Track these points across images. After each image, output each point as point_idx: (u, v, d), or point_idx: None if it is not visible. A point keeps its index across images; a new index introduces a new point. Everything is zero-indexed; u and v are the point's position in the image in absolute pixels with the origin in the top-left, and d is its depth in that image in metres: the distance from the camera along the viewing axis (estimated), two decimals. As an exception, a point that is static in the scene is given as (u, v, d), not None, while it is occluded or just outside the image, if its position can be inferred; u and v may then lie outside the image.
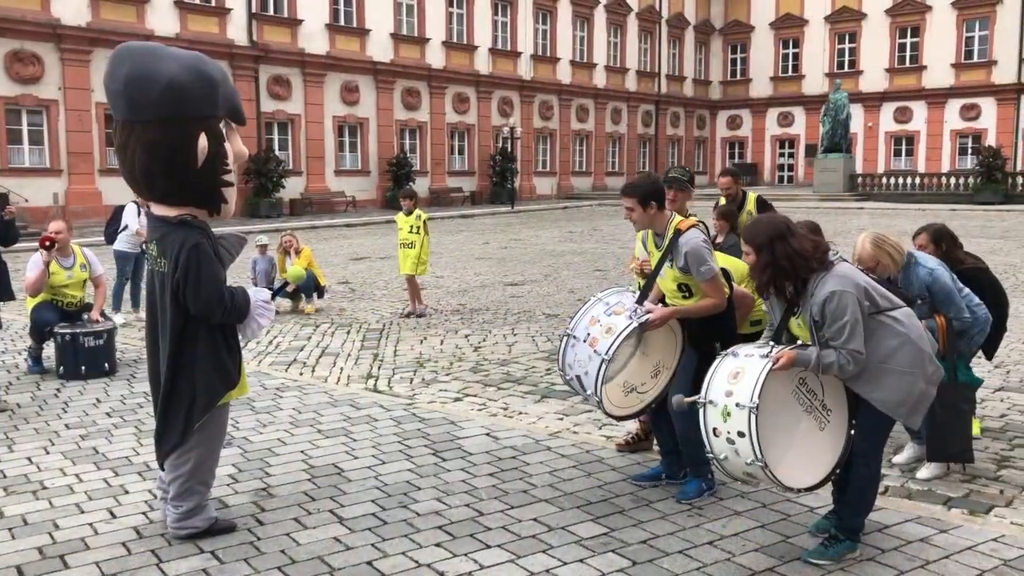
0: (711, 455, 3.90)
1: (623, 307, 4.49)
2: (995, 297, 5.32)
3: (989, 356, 5.63)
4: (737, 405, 3.70)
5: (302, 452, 5.47)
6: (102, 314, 7.93)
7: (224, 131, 4.12)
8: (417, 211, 11.04)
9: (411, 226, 10.89)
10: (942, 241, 5.35)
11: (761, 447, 3.64)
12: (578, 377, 4.47)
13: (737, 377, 3.78)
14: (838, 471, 3.91)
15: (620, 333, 4.35)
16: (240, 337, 4.24)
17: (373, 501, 4.63)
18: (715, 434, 3.82)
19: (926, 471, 4.99)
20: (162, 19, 27.41)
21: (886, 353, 3.76)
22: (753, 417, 3.64)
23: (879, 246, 4.78)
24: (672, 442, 4.79)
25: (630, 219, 4.60)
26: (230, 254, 4.29)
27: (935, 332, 4.72)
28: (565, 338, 4.54)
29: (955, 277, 4.96)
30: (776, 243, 3.75)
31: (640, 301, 4.56)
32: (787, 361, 3.70)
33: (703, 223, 4.67)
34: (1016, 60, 41.06)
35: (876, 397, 3.79)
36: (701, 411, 3.87)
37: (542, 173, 41.57)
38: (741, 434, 3.69)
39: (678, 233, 4.49)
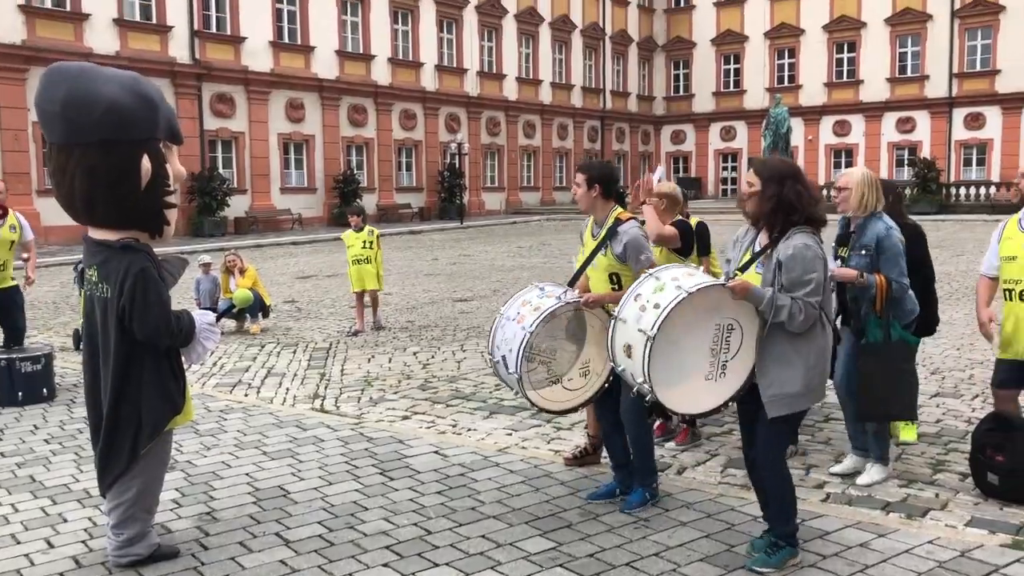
0: (612, 363, 4.08)
1: (554, 293, 4.64)
2: (923, 257, 5.44)
3: (931, 330, 5.68)
4: (639, 330, 3.83)
5: (247, 475, 5.41)
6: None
7: (164, 152, 4.07)
8: (368, 227, 11.16)
9: (364, 242, 10.98)
10: (890, 195, 5.49)
11: (650, 371, 3.76)
12: (503, 357, 4.52)
13: (648, 303, 3.88)
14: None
15: (546, 310, 4.45)
16: (185, 361, 4.18)
17: (320, 523, 4.59)
18: (621, 349, 3.98)
19: (866, 476, 5.10)
20: (101, 37, 26.96)
21: (809, 338, 3.79)
22: (649, 345, 3.75)
23: (870, 181, 4.95)
24: (624, 455, 4.84)
25: (575, 196, 4.79)
26: (173, 276, 4.24)
27: (874, 288, 4.82)
28: (496, 318, 4.66)
29: (903, 242, 5.01)
30: (788, 180, 3.81)
31: (571, 284, 4.70)
32: (743, 289, 3.72)
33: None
34: (947, 75, 42.33)
35: (775, 390, 3.78)
36: (612, 324, 4.03)
37: (490, 188, 41.68)
38: (636, 352, 3.85)
39: (618, 222, 4.63)
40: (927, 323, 5.47)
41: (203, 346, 4.23)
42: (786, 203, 3.78)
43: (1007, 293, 4.82)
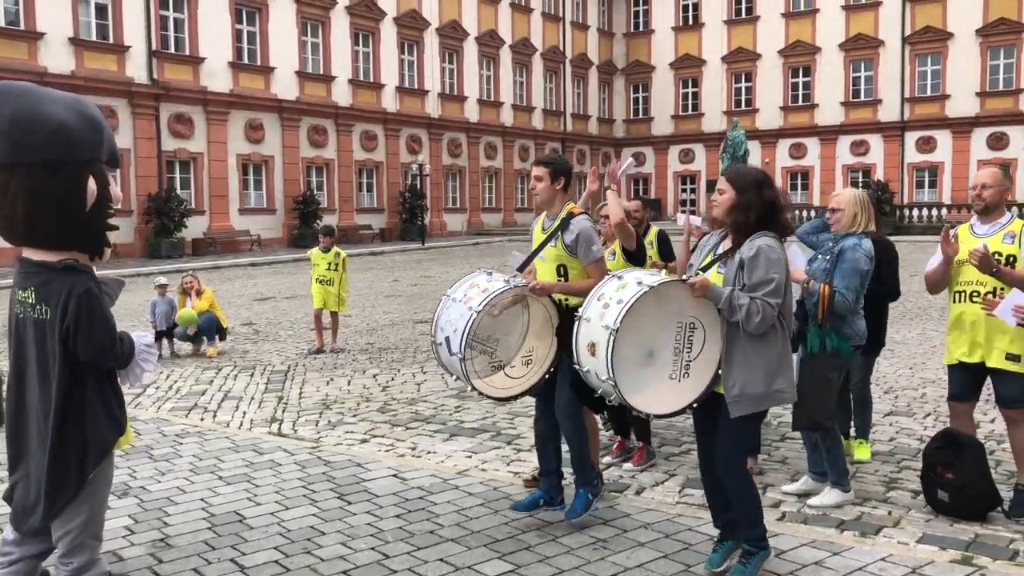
0: (577, 366, 4.08)
1: (502, 277, 4.67)
2: (890, 275, 5.62)
3: (879, 342, 5.76)
4: (603, 326, 3.85)
5: (202, 500, 5.33)
6: None
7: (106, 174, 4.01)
8: (336, 248, 11.24)
9: (330, 263, 11.06)
10: None
11: (614, 367, 3.78)
12: (447, 339, 4.49)
13: (611, 300, 3.92)
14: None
15: (494, 292, 4.47)
16: (122, 383, 4.11)
17: (276, 548, 4.54)
18: (586, 348, 4.00)
19: (819, 498, 5.14)
20: (56, 56, 26.64)
21: (769, 341, 3.84)
22: (612, 339, 3.77)
23: (862, 201, 5.11)
24: (556, 462, 4.86)
25: (535, 189, 4.84)
26: (111, 298, 4.17)
27: (816, 296, 4.89)
28: (442, 299, 4.66)
29: (871, 263, 5.08)
30: (763, 188, 3.88)
31: (520, 270, 4.73)
32: (703, 285, 3.76)
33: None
34: (899, 99, 43.35)
35: (738, 390, 3.81)
36: (576, 324, 4.06)
37: (452, 209, 41.73)
38: (600, 350, 3.86)
39: (571, 215, 4.70)
40: (876, 341, 5.59)
41: (141, 367, 4.18)
42: (761, 209, 3.85)
43: (958, 296, 4.91)
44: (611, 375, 3.80)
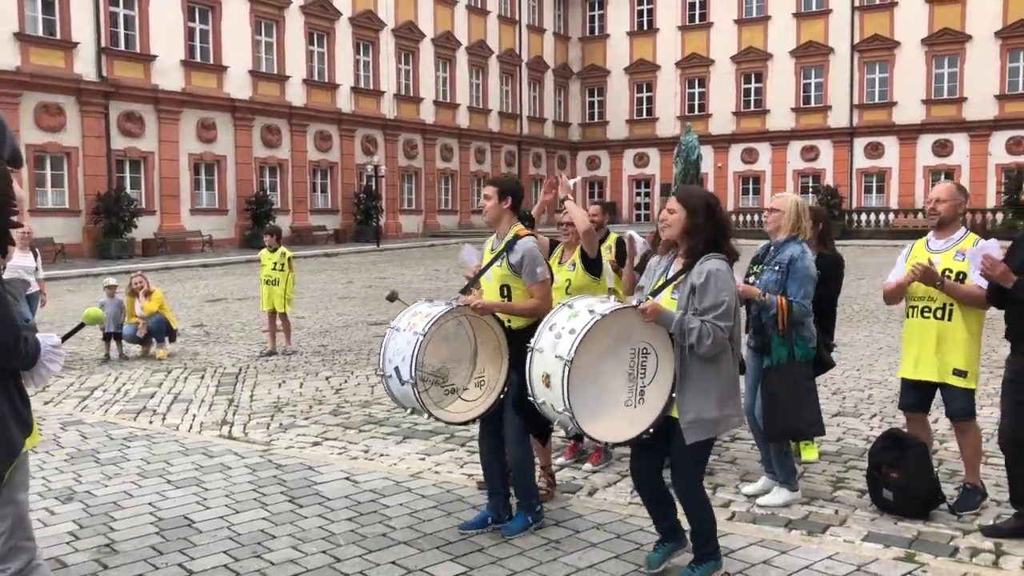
0: (532, 398, 4.02)
1: (444, 302, 4.68)
2: (835, 285, 5.76)
3: (827, 353, 5.87)
4: (556, 357, 3.82)
5: (150, 504, 5.24)
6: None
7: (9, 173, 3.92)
8: (282, 248, 11.17)
9: (275, 263, 10.96)
10: (820, 221, 5.72)
11: (570, 398, 3.74)
12: (396, 369, 4.47)
13: (563, 330, 3.89)
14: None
15: (437, 314, 4.47)
16: (26, 384, 4.03)
17: (225, 552, 4.49)
18: (540, 380, 3.95)
19: (768, 498, 5.22)
20: (0, 52, 26.01)
21: (721, 366, 3.87)
22: (567, 370, 3.74)
23: (801, 206, 5.16)
24: (502, 483, 4.86)
25: (484, 207, 4.90)
26: (14, 298, 4.08)
27: (775, 308, 4.96)
28: (388, 331, 4.64)
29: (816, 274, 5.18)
30: (715, 209, 3.91)
31: (464, 292, 4.75)
32: (654, 311, 3.76)
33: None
34: (848, 106, 44.19)
35: (693, 415, 3.82)
36: (529, 356, 4.00)
37: (408, 211, 41.58)
38: (554, 381, 3.81)
39: (517, 237, 4.73)
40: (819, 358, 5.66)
41: (47, 368, 4.09)
42: (712, 231, 3.88)
43: (911, 311, 5.02)
44: (568, 406, 3.75)
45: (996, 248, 4.57)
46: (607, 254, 6.14)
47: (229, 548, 4.54)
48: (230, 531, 4.78)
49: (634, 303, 3.92)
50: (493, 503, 4.86)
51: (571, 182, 5.53)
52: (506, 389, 4.70)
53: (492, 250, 4.85)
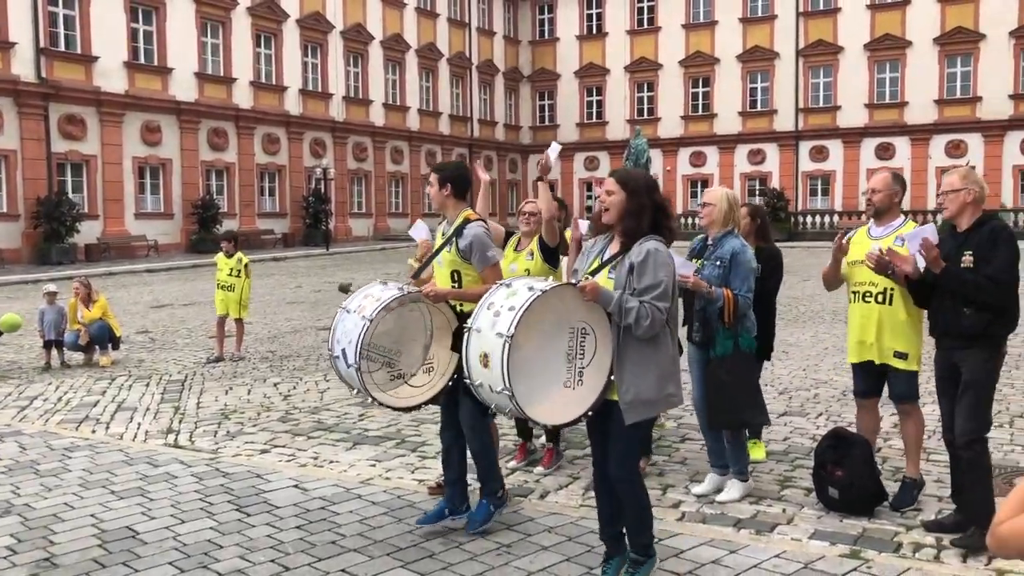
0: (468, 380, 3.96)
1: (397, 285, 4.65)
2: (776, 278, 5.88)
3: (767, 354, 5.97)
4: (496, 334, 3.74)
5: (92, 516, 5.12)
6: None
7: None
8: (239, 254, 11.04)
9: (231, 269, 10.87)
10: (758, 216, 5.90)
11: (510, 376, 3.67)
12: (343, 351, 4.45)
13: (502, 307, 3.82)
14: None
15: (388, 299, 4.44)
16: None
17: (171, 563, 4.39)
18: (477, 360, 3.87)
19: (726, 494, 5.29)
20: (-65, 51, 25.27)
21: (659, 346, 3.85)
22: (507, 346, 3.67)
23: (732, 199, 5.25)
24: (461, 471, 4.85)
25: (429, 193, 4.91)
26: None
27: (721, 301, 5.03)
28: (338, 312, 4.62)
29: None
30: (653, 191, 3.89)
31: (415, 277, 4.76)
32: (593, 289, 3.70)
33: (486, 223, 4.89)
34: (793, 110, 44.95)
35: (632, 395, 3.79)
36: (466, 336, 3.92)
37: (358, 214, 41.26)
38: (493, 360, 3.75)
39: (467, 221, 4.72)
40: (766, 345, 5.80)
41: None
42: (652, 212, 3.84)
43: (854, 295, 5.11)
44: (507, 385, 3.68)
45: (932, 231, 4.69)
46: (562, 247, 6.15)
47: (175, 559, 4.45)
48: (176, 541, 4.69)
49: (574, 282, 3.88)
50: (450, 493, 4.85)
51: (552, 155, 5.41)
52: (456, 376, 4.65)
53: (443, 235, 4.83)
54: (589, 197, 50.29)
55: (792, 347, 10.79)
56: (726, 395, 5.04)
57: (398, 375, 4.60)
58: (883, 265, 4.76)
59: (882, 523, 4.85)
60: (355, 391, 4.67)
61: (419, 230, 5.39)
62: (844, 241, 5.09)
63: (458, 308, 4.70)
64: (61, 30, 28.94)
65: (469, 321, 3.96)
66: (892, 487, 5.20)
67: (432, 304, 4.64)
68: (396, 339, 4.54)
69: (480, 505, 4.76)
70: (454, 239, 4.69)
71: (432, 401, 4.83)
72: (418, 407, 4.84)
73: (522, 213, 5.94)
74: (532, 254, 5.77)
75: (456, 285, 4.69)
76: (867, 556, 4.37)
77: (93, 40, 29.49)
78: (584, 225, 5.88)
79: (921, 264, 4.63)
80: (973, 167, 5.29)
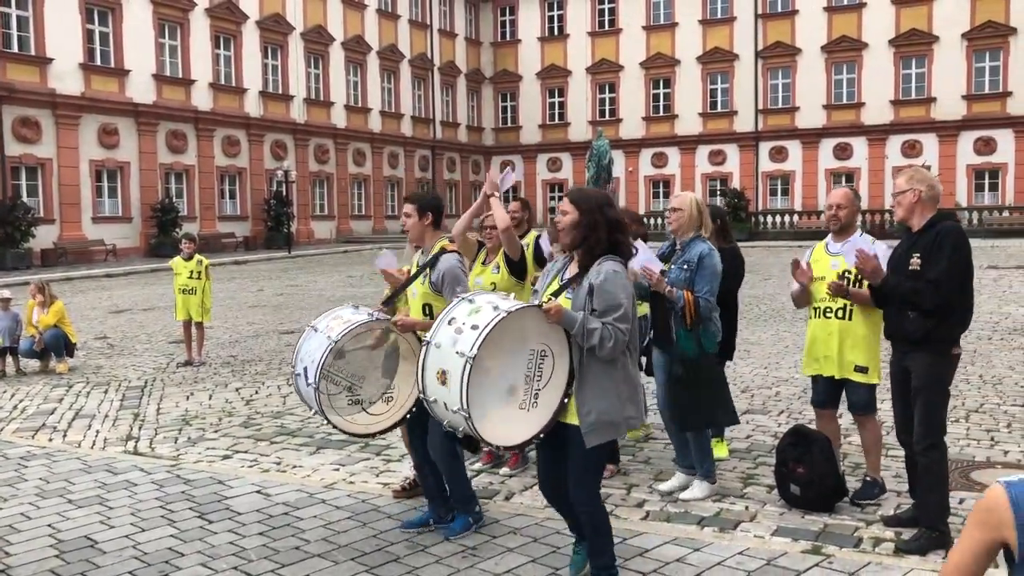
0: (423, 395, 3.85)
1: (367, 310, 4.63)
2: (737, 277, 6.00)
3: (729, 354, 6.06)
4: (457, 353, 3.64)
5: (49, 526, 5.03)
6: None
7: None
8: (198, 256, 10.92)
9: (192, 271, 10.74)
10: (718, 217, 5.96)
11: (468, 397, 3.57)
12: (305, 369, 4.45)
13: (464, 325, 3.72)
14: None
15: (355, 323, 4.43)
16: None
17: (130, 573, 4.33)
18: (434, 376, 3.76)
19: (690, 492, 5.33)
20: None
21: (621, 367, 3.81)
22: (468, 367, 3.57)
23: (699, 204, 5.35)
24: (437, 489, 4.84)
25: (405, 226, 4.81)
26: None
27: (682, 302, 5.07)
28: (307, 329, 4.61)
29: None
30: (606, 208, 3.81)
31: (386, 304, 4.71)
32: (557, 311, 3.64)
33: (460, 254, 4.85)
34: (753, 111, 45.43)
35: (593, 418, 3.73)
36: (424, 350, 3.81)
37: (320, 217, 40.97)
38: (452, 378, 3.65)
39: (442, 251, 4.68)
40: (728, 346, 5.88)
41: None
42: (606, 230, 3.78)
43: (815, 311, 5.20)
44: (464, 406, 3.57)
45: (868, 244, 4.80)
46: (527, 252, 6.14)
47: (135, 568, 4.38)
48: (136, 550, 4.62)
49: (536, 303, 3.81)
50: (433, 506, 4.86)
51: (504, 179, 5.35)
52: (413, 410, 4.61)
53: (419, 264, 4.79)
54: (552, 199, 50.40)
55: (754, 346, 10.90)
56: (694, 397, 5.10)
57: (357, 401, 4.59)
58: (842, 291, 4.91)
59: (843, 519, 4.92)
60: (313, 411, 4.64)
61: (384, 259, 5.28)
62: (805, 265, 5.18)
63: (425, 339, 4.67)
64: (14, 31, 28.39)
65: (428, 334, 3.86)
66: (852, 483, 5.27)
67: (400, 334, 4.61)
68: (361, 365, 4.53)
69: (459, 518, 4.77)
70: (428, 270, 4.65)
71: (388, 430, 4.82)
72: (372, 436, 4.82)
73: (484, 227, 5.90)
74: (498, 267, 5.77)
75: (428, 317, 4.63)
76: (828, 551, 4.43)
77: (47, 41, 28.97)
78: (546, 243, 5.91)
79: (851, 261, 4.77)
80: (928, 167, 5.42)
